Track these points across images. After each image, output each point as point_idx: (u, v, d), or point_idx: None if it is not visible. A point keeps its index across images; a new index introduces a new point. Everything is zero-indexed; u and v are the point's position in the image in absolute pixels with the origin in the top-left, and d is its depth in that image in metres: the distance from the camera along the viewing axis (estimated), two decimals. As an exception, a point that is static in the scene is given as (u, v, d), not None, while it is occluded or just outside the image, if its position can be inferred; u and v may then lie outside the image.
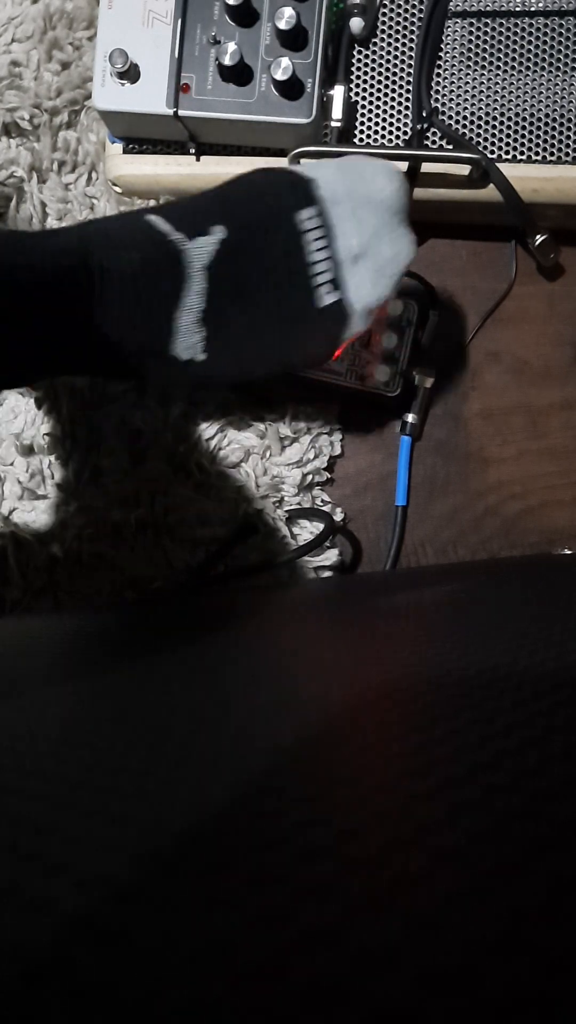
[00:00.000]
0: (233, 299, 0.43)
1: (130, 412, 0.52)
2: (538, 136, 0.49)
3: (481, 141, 0.49)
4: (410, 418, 0.55)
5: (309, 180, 0.43)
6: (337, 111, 0.48)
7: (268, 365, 0.45)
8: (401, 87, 0.50)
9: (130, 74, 0.46)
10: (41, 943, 0.12)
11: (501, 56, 0.49)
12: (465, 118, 0.50)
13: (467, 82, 0.50)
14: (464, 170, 0.49)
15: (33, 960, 0.12)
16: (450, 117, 0.50)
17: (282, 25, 0.44)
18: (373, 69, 0.50)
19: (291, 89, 0.46)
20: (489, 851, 0.14)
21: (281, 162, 0.49)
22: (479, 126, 0.50)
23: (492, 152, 0.49)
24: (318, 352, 0.45)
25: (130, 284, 0.41)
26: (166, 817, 0.16)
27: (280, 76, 0.45)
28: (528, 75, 0.49)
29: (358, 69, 0.50)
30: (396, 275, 0.43)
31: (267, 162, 0.50)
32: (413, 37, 0.50)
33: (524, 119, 0.49)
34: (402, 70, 0.50)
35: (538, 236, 0.52)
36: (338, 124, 0.48)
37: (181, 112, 0.46)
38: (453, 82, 0.50)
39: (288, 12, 0.44)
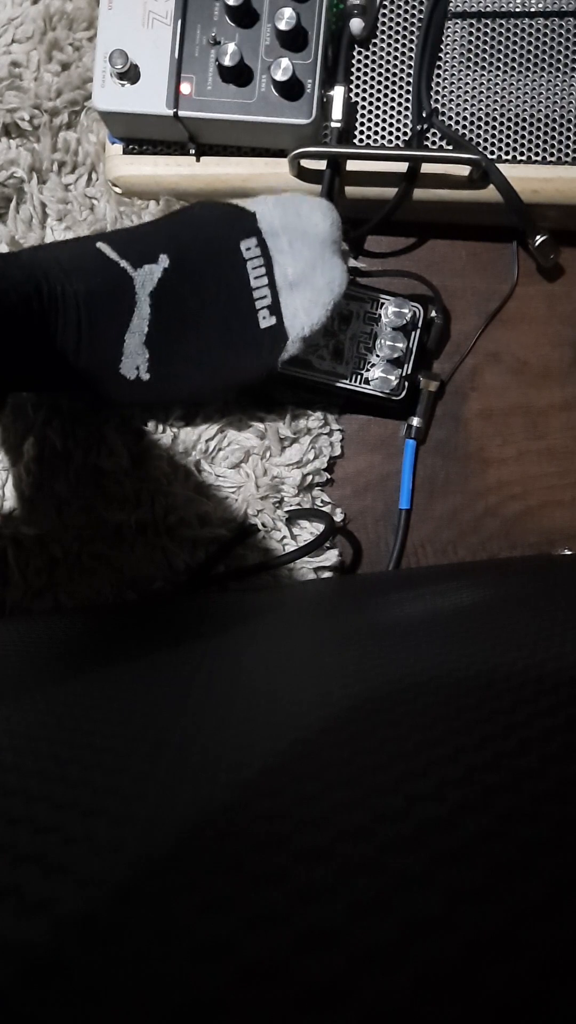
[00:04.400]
0: (176, 323, 0.46)
1: (130, 413, 0.52)
2: (538, 136, 0.49)
3: (481, 142, 0.49)
4: (415, 422, 0.55)
5: (250, 213, 0.46)
6: (337, 112, 0.48)
7: (208, 385, 0.48)
8: (401, 87, 0.50)
9: (130, 75, 0.46)
10: (41, 943, 0.12)
11: (501, 56, 0.49)
12: (465, 118, 0.50)
13: (467, 82, 0.50)
14: (464, 171, 0.49)
15: (33, 960, 0.12)
16: (450, 117, 0.50)
17: (282, 26, 0.44)
18: (373, 70, 0.50)
19: (291, 90, 0.46)
20: (489, 852, 0.14)
21: (281, 163, 0.49)
22: (479, 126, 0.50)
23: (492, 153, 0.49)
24: (256, 373, 0.48)
25: (83, 309, 0.44)
26: (166, 818, 0.16)
27: (280, 77, 0.45)
28: (528, 75, 0.49)
29: (358, 70, 0.50)
30: (330, 302, 0.46)
31: (267, 163, 0.50)
32: (413, 37, 0.50)
33: (524, 119, 0.49)
34: (402, 70, 0.50)
35: (538, 237, 0.52)
36: (338, 125, 0.48)
37: (181, 113, 0.46)
38: (453, 82, 0.50)
39: (288, 13, 0.44)
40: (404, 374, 0.53)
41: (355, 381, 0.53)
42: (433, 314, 0.54)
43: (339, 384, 0.52)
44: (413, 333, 0.53)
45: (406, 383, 0.53)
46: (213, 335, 0.46)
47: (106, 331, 0.45)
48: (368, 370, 0.53)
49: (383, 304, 0.52)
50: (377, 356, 0.53)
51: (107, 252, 0.45)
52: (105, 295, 0.45)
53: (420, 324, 0.53)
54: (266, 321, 0.46)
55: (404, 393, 0.53)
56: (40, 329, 0.43)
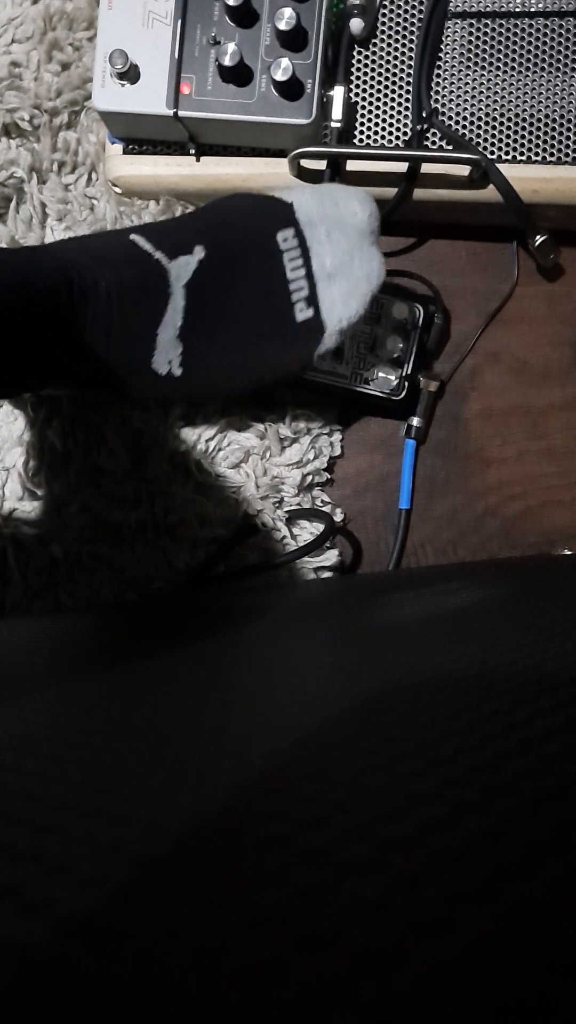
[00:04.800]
0: (211, 316, 0.45)
1: (130, 413, 0.52)
2: (538, 136, 0.49)
3: (481, 142, 0.49)
4: (415, 422, 0.55)
5: (287, 204, 0.45)
6: (337, 112, 0.48)
7: (242, 380, 0.47)
8: (401, 87, 0.50)
9: (130, 75, 0.46)
10: (41, 943, 0.12)
11: (501, 56, 0.49)
12: (465, 118, 0.50)
13: (467, 82, 0.50)
14: (464, 171, 0.49)
15: (33, 960, 0.12)
16: (450, 117, 0.50)
17: (282, 26, 0.44)
18: (373, 69, 0.50)
19: (291, 90, 0.46)
20: (489, 852, 0.14)
21: (281, 163, 0.49)
22: (479, 126, 0.50)
23: (492, 153, 0.49)
24: (291, 367, 0.47)
25: (115, 301, 0.43)
26: (166, 818, 0.16)
27: (280, 77, 0.45)
28: (528, 75, 0.49)
29: (358, 69, 0.50)
30: (368, 294, 0.45)
31: (267, 163, 0.50)
32: (413, 37, 0.50)
33: (524, 119, 0.49)
34: (402, 70, 0.50)
35: (538, 237, 0.52)
36: (338, 125, 0.48)
37: (181, 113, 0.46)
38: (453, 82, 0.50)
39: (288, 13, 0.44)
40: (404, 374, 0.53)
41: (355, 381, 0.53)
42: (433, 314, 0.54)
43: (339, 384, 0.52)
44: (413, 333, 0.53)
45: (406, 383, 0.53)
46: (248, 329, 0.45)
47: (138, 324, 0.44)
48: (368, 370, 0.53)
49: (383, 304, 0.52)
50: (377, 356, 0.53)
51: (141, 244, 0.44)
52: (138, 287, 0.43)
53: (420, 324, 0.53)
54: (303, 314, 0.44)
55: (404, 393, 0.53)
56: (69, 321, 0.42)
